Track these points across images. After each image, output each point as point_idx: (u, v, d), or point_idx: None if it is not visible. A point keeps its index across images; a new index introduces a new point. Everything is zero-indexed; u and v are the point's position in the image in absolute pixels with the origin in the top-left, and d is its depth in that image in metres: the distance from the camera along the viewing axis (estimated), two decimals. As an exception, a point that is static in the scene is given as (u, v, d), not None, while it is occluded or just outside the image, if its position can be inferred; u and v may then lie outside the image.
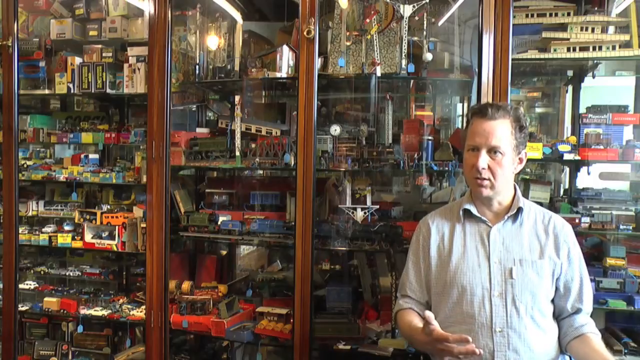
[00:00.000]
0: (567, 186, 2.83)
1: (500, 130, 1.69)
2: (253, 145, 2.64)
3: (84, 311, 2.94)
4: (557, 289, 1.74)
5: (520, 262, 1.70)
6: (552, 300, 1.75)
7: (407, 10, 2.39)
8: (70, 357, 3.07)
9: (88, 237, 2.93)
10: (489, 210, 1.79)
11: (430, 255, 1.83)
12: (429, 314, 1.58)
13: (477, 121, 1.72)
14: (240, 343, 2.74)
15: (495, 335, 1.68)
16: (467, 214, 1.80)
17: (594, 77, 2.69)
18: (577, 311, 1.74)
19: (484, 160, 1.68)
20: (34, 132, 3.13)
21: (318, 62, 2.39)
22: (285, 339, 2.50)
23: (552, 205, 2.49)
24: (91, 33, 2.99)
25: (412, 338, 1.77)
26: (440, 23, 2.71)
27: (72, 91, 2.94)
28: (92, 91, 2.90)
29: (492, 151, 1.68)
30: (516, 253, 1.72)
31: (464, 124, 1.84)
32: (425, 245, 1.85)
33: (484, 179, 1.69)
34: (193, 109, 3.25)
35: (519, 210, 1.75)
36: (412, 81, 2.85)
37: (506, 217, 1.75)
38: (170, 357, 2.76)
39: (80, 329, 3.00)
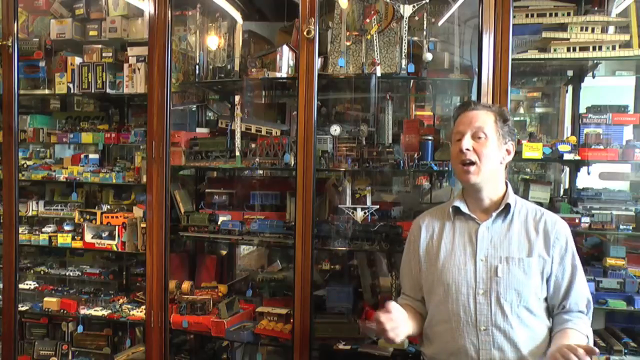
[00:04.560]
0: (567, 186, 2.83)
1: (483, 117, 1.74)
2: (253, 145, 2.64)
3: (84, 311, 2.95)
4: (548, 287, 1.73)
5: (506, 260, 1.70)
6: (546, 299, 1.75)
7: (407, 10, 2.39)
8: (70, 357, 3.07)
9: (88, 237, 2.93)
10: (479, 208, 1.78)
11: (419, 255, 1.84)
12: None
13: (461, 114, 1.79)
14: (240, 343, 2.74)
15: (480, 333, 1.68)
16: (457, 212, 1.80)
17: (594, 77, 2.70)
18: (568, 309, 1.73)
19: (467, 141, 1.71)
20: (34, 132, 3.14)
21: (318, 62, 2.39)
22: (285, 339, 2.50)
23: (552, 205, 2.49)
24: (91, 33, 3.00)
25: None
26: (440, 23, 2.71)
27: (72, 91, 2.95)
28: (92, 91, 2.90)
29: (476, 135, 1.71)
30: (504, 251, 1.72)
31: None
32: (415, 245, 1.87)
33: (470, 162, 1.70)
34: (193, 109, 3.25)
35: (508, 207, 1.75)
36: (412, 81, 2.85)
37: (494, 215, 1.75)
38: (170, 357, 2.76)
39: (80, 329, 3.01)
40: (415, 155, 2.46)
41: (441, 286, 1.74)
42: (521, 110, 3.48)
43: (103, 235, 2.93)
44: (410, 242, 1.91)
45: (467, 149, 1.69)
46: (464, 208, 1.79)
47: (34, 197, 3.23)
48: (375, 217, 2.55)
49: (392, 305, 1.66)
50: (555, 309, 1.75)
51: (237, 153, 2.65)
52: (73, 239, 2.96)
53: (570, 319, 1.71)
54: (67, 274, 3.18)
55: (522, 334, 1.68)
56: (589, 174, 2.54)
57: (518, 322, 1.68)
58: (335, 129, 2.52)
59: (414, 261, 1.87)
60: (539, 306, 1.72)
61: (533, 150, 2.33)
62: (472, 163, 1.70)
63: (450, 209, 1.81)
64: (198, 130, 3.10)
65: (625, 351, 2.32)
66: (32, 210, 3.17)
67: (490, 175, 1.73)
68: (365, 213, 2.52)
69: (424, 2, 2.36)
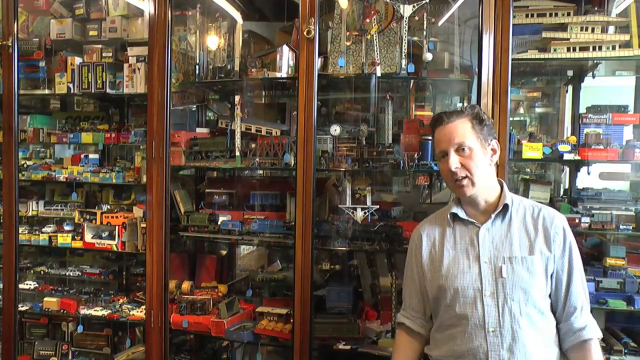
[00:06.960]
0: (567, 186, 2.83)
1: (460, 129, 1.72)
2: (253, 145, 2.64)
3: (84, 311, 2.94)
4: (551, 282, 1.73)
5: (509, 260, 1.70)
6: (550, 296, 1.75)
7: (407, 10, 2.39)
8: (70, 357, 3.07)
9: (88, 237, 2.93)
10: (477, 211, 1.79)
11: (423, 263, 1.84)
12: None
13: (437, 130, 1.77)
14: (240, 343, 2.74)
15: (488, 335, 1.67)
16: (456, 217, 1.81)
17: (594, 77, 2.70)
18: (572, 308, 1.72)
19: (454, 160, 1.71)
20: (34, 132, 3.14)
21: (318, 62, 2.39)
22: (285, 339, 2.50)
23: (552, 205, 2.48)
24: (91, 33, 3.00)
25: None
26: (440, 23, 2.71)
27: (72, 91, 2.95)
28: (92, 91, 2.90)
29: (460, 149, 1.71)
30: (506, 251, 1.72)
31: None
32: (418, 254, 1.86)
33: (462, 177, 1.71)
34: (193, 109, 3.25)
35: (506, 207, 1.75)
36: (412, 81, 2.85)
37: (493, 216, 1.76)
38: (170, 357, 2.76)
39: (80, 329, 3.01)
40: (415, 155, 2.46)
41: (447, 291, 1.74)
42: (521, 110, 3.48)
43: (103, 235, 2.93)
44: (412, 252, 1.90)
45: (457, 168, 1.70)
46: (462, 214, 1.79)
47: (34, 197, 3.23)
48: (375, 217, 2.55)
49: None
50: (559, 306, 1.73)
51: (237, 153, 2.65)
52: (73, 239, 2.96)
53: (584, 325, 1.70)
54: (67, 274, 3.18)
55: (530, 334, 1.67)
56: (589, 174, 2.54)
57: (527, 322, 1.67)
58: (335, 129, 2.52)
59: (417, 270, 1.86)
60: (545, 305, 1.72)
61: (533, 150, 2.33)
62: (464, 177, 1.71)
63: (449, 216, 1.81)
64: (198, 130, 3.10)
65: (625, 351, 2.33)
66: (32, 210, 3.17)
67: (484, 180, 1.74)
68: (365, 213, 2.52)
69: (424, 2, 2.36)
